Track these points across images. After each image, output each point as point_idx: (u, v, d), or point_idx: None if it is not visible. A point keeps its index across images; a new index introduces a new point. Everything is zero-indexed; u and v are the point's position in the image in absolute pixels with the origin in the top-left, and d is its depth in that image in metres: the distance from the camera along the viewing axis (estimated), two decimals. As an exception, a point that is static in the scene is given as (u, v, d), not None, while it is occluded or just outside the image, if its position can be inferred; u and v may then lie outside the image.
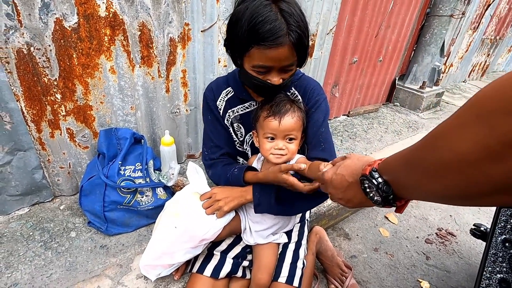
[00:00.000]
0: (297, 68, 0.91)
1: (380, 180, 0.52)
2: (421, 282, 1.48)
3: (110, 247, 1.17)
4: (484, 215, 2.04)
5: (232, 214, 1.01)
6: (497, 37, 4.59)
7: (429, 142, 0.41)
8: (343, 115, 2.72)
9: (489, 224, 1.19)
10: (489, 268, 1.07)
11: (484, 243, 1.13)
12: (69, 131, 1.24)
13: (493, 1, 3.65)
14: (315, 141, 0.97)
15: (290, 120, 0.90)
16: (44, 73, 1.09)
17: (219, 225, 0.98)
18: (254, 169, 1.03)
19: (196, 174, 1.05)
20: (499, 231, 1.12)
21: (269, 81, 0.85)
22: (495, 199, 0.34)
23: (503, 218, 1.14)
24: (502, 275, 1.05)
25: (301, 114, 0.94)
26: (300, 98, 1.02)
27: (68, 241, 1.17)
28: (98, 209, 1.18)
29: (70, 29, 1.08)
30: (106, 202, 1.18)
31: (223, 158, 1.07)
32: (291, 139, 0.93)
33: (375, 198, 0.54)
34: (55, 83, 1.12)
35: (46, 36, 1.04)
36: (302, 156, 0.99)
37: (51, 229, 1.20)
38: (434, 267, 1.58)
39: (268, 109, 0.91)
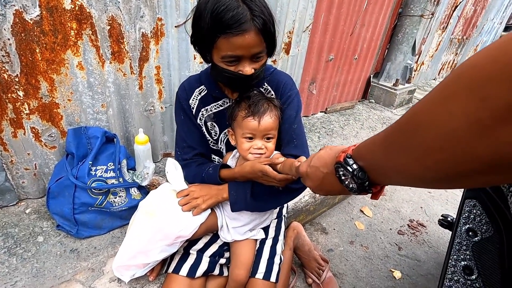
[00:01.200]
0: (268, 58, 0.90)
1: (355, 166, 0.50)
2: (393, 272, 1.54)
3: (81, 251, 1.12)
4: (452, 206, 2.16)
5: (209, 212, 1.00)
6: (464, 37, 4.84)
7: (411, 121, 0.37)
8: (320, 111, 2.77)
9: (455, 214, 1.27)
10: (454, 256, 1.14)
11: (451, 233, 1.20)
12: (34, 130, 1.17)
13: (460, 3, 3.84)
14: (288, 138, 0.98)
15: (269, 120, 0.90)
16: (3, 68, 1.02)
17: (196, 222, 0.97)
18: (229, 167, 1.02)
19: (175, 171, 1.03)
20: (463, 221, 1.18)
21: (240, 72, 0.83)
22: (483, 179, 0.31)
23: (467, 209, 1.20)
24: (465, 262, 1.11)
25: (278, 112, 0.94)
26: (273, 94, 1.02)
27: (34, 246, 1.11)
28: (68, 211, 1.13)
29: (31, 22, 1.01)
30: (76, 204, 1.13)
31: (197, 158, 1.05)
32: (269, 138, 0.93)
33: (351, 185, 0.52)
34: (16, 79, 1.06)
35: (5, 29, 0.97)
36: (278, 152, 0.99)
37: (15, 234, 1.14)
38: (405, 257, 1.66)
39: (247, 108, 0.91)
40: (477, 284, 1.05)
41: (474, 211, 1.20)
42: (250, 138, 0.92)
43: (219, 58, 0.82)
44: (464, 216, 1.19)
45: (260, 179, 0.90)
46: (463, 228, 1.18)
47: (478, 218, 1.17)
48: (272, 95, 1.02)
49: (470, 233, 1.16)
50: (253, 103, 0.90)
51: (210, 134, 1.06)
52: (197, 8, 0.80)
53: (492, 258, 1.07)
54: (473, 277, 1.07)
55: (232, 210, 0.99)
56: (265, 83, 1.02)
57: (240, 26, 0.75)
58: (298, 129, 1.00)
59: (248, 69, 0.83)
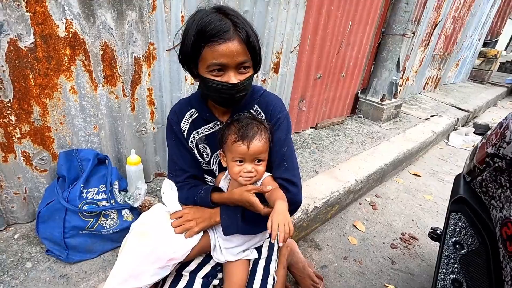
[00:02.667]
0: (254, 73, 0.92)
1: None
2: (387, 286, 1.55)
3: (71, 276, 1.10)
4: (442, 218, 2.19)
5: (201, 234, 1.01)
6: (446, 53, 5.06)
7: None
8: (311, 128, 2.82)
9: (444, 227, 1.29)
10: (443, 270, 1.15)
11: (439, 246, 1.22)
12: (24, 154, 1.17)
13: (439, 22, 4.05)
14: (278, 160, 1.00)
15: (258, 144, 0.91)
16: (-4, 94, 1.03)
17: (189, 245, 0.97)
18: (220, 190, 1.04)
19: (171, 191, 1.03)
20: (450, 234, 1.21)
21: (227, 82, 0.86)
22: None
23: (452, 222, 1.23)
24: (454, 276, 1.12)
25: (268, 135, 0.95)
26: (263, 116, 1.05)
27: (23, 272, 1.08)
28: (58, 235, 1.12)
29: (25, 50, 1.04)
30: (67, 228, 1.12)
31: (189, 181, 1.07)
32: (259, 160, 0.95)
33: None
34: (9, 104, 1.07)
35: (-1, 57, 1.00)
36: (269, 174, 1.01)
37: (3, 261, 1.11)
38: (399, 271, 1.67)
39: (236, 132, 0.92)
40: (466, 298, 1.06)
41: (460, 224, 1.22)
42: (240, 162, 0.94)
43: (205, 69, 0.85)
44: (450, 229, 1.22)
45: (248, 207, 0.92)
46: (450, 241, 1.20)
47: (464, 231, 1.19)
48: (262, 117, 1.04)
49: (457, 246, 1.18)
50: (243, 127, 0.92)
51: (202, 156, 1.08)
52: (185, 28, 0.85)
53: (479, 270, 1.09)
54: (462, 290, 1.08)
55: (225, 234, 0.99)
56: (255, 105, 1.04)
57: (223, 35, 0.80)
58: (289, 152, 1.01)
59: (233, 79, 0.86)
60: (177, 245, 0.94)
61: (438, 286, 1.13)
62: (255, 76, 1.10)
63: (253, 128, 0.92)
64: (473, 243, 1.14)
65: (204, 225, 0.98)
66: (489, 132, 1.19)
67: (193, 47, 0.83)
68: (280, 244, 0.77)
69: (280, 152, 0.99)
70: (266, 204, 0.90)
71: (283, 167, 0.98)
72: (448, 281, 1.13)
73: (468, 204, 1.22)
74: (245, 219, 0.97)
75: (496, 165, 1.06)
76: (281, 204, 0.82)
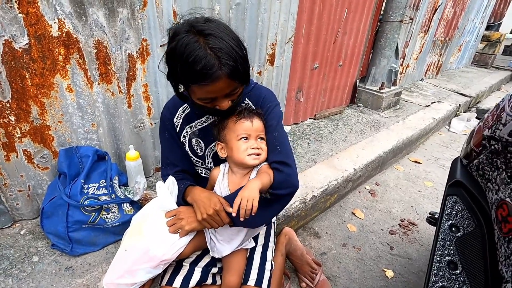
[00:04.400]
0: (244, 86, 0.93)
1: None
2: (385, 271, 1.57)
3: (76, 268, 1.14)
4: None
5: (193, 234, 1.01)
6: (447, 38, 4.98)
7: None
8: (309, 118, 2.83)
9: (442, 211, 1.30)
10: (439, 252, 1.17)
11: (435, 229, 1.24)
12: (26, 153, 1.21)
13: (439, 6, 3.98)
14: (271, 146, 1.01)
15: (259, 121, 0.99)
16: (-6, 95, 1.06)
17: (178, 246, 0.97)
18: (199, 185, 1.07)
19: (172, 187, 1.04)
20: (446, 217, 1.23)
21: (218, 107, 0.90)
22: None
23: (449, 206, 1.25)
24: (450, 257, 1.14)
25: (262, 119, 1.02)
26: (254, 108, 1.06)
27: (30, 266, 1.13)
28: (62, 230, 1.16)
29: (21, 50, 1.07)
30: (70, 223, 1.16)
31: (178, 174, 1.09)
32: (262, 138, 1.00)
33: None
34: (8, 105, 1.10)
35: (-5, 59, 1.02)
36: (266, 163, 1.03)
37: (11, 256, 1.16)
38: (397, 256, 1.69)
39: (237, 114, 0.97)
40: (461, 278, 1.08)
41: (456, 207, 1.24)
42: (245, 139, 0.97)
43: (195, 98, 0.88)
44: (446, 212, 1.23)
45: (209, 218, 0.94)
46: (446, 224, 1.21)
47: (460, 214, 1.21)
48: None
49: (453, 228, 1.20)
50: (241, 111, 0.97)
51: (195, 151, 1.10)
52: (169, 50, 0.81)
53: (474, 252, 1.11)
54: (458, 271, 1.10)
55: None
56: (246, 99, 1.06)
57: (210, 77, 0.77)
58: (280, 136, 1.03)
59: (224, 104, 0.89)
60: (167, 247, 0.95)
61: (434, 268, 1.15)
62: (250, 68, 1.11)
63: (250, 111, 0.99)
64: (469, 226, 1.16)
65: (195, 226, 0.97)
66: (486, 115, 1.19)
67: (181, 81, 0.85)
68: (241, 219, 0.81)
69: (272, 137, 1.01)
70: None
71: (276, 151, 1.00)
72: (444, 263, 1.15)
73: (464, 188, 1.23)
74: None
75: (492, 147, 1.07)
76: (253, 182, 0.87)
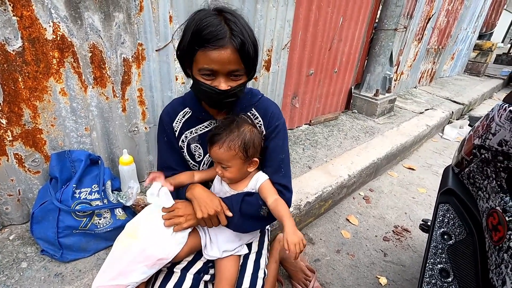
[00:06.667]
0: (247, 80, 0.94)
1: None
2: (379, 278, 1.57)
3: (66, 275, 1.12)
4: (435, 210, 2.22)
5: (189, 231, 1.02)
6: (440, 47, 5.07)
7: None
8: (305, 124, 2.84)
9: (434, 219, 1.31)
10: (431, 260, 1.18)
11: (427, 237, 1.24)
12: (17, 156, 1.19)
13: (432, 15, 4.06)
14: (276, 166, 1.03)
15: (217, 149, 0.95)
16: (-14, 98, 1.05)
17: (177, 246, 0.98)
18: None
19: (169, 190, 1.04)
20: (438, 225, 1.23)
21: (215, 87, 0.87)
22: None
23: (441, 213, 1.26)
24: (442, 265, 1.15)
25: (238, 146, 0.94)
26: (261, 120, 1.06)
27: (18, 272, 1.11)
28: (52, 235, 1.14)
29: (14, 53, 1.06)
30: (60, 228, 1.14)
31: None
32: (224, 167, 0.98)
33: None
34: (-1, 108, 1.09)
35: (-13, 61, 1.01)
36: (267, 178, 1.04)
37: (-2, 262, 1.13)
38: (391, 262, 1.69)
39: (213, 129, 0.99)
40: (453, 286, 1.09)
41: (448, 215, 1.25)
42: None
43: (197, 71, 0.87)
44: (438, 220, 1.24)
45: (209, 217, 0.97)
46: (438, 232, 1.22)
47: (452, 222, 1.22)
48: (259, 121, 1.06)
49: (445, 236, 1.21)
50: (217, 128, 0.97)
51: (193, 156, 1.10)
52: (185, 26, 0.86)
53: (466, 260, 1.12)
54: (449, 279, 1.11)
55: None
56: (253, 109, 1.06)
57: (217, 42, 0.80)
58: (286, 159, 1.05)
59: (223, 85, 0.87)
60: (166, 246, 0.96)
61: (426, 276, 1.15)
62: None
63: (222, 134, 0.95)
64: (461, 234, 1.17)
65: (193, 223, 1.00)
66: (476, 124, 1.21)
67: (188, 47, 0.85)
68: (293, 260, 0.86)
69: (278, 158, 1.03)
70: None
71: (280, 173, 1.03)
72: (436, 271, 1.16)
73: (456, 196, 1.24)
74: (242, 216, 0.99)
75: (483, 156, 1.08)
76: (290, 225, 0.89)
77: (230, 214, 0.97)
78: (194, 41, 0.82)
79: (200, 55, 0.83)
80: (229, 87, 0.88)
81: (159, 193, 0.99)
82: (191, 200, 1.01)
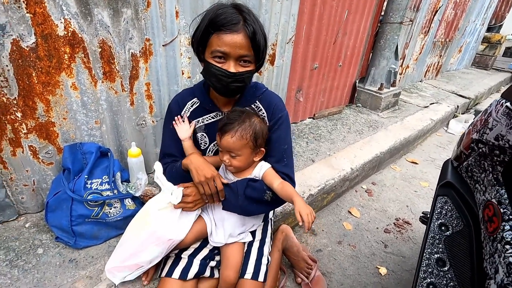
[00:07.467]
0: (255, 70, 1.00)
1: None
2: (379, 268, 1.62)
3: (79, 260, 1.19)
4: (436, 204, 2.25)
5: (198, 212, 1.09)
6: (447, 40, 5.00)
7: None
8: (308, 118, 2.86)
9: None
10: (428, 250, 1.22)
11: (425, 228, 1.28)
12: (31, 148, 1.25)
13: (439, 8, 4.00)
14: (278, 156, 1.08)
15: (229, 139, 0.99)
16: (2, 92, 1.10)
17: (186, 226, 1.06)
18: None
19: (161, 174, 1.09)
20: (436, 216, 1.27)
21: (226, 70, 0.94)
22: None
23: (439, 205, 1.29)
24: (439, 255, 1.19)
25: (249, 136, 1.00)
26: (265, 112, 1.11)
27: (35, 258, 1.17)
28: (66, 223, 1.20)
29: (28, 49, 1.10)
30: (73, 216, 1.20)
31: (174, 164, 1.14)
32: (233, 156, 1.03)
33: None
34: (15, 102, 1.14)
35: (3, 57, 1.06)
36: (270, 166, 1.08)
37: (16, 248, 1.20)
38: (391, 254, 1.74)
39: (221, 121, 1.03)
40: (449, 275, 1.13)
41: (446, 207, 1.28)
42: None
43: (210, 54, 0.94)
44: (436, 212, 1.28)
45: (206, 181, 1.01)
46: (436, 223, 1.26)
47: (449, 214, 1.25)
48: (263, 113, 1.12)
49: (443, 227, 1.24)
50: (227, 118, 1.02)
51: (199, 144, 1.15)
52: (203, 16, 0.95)
53: (462, 250, 1.16)
54: (446, 268, 1.15)
55: (223, 209, 1.08)
56: (257, 101, 1.11)
57: (231, 26, 0.89)
58: (289, 150, 1.11)
59: (232, 68, 0.94)
60: (175, 228, 1.02)
61: (423, 265, 1.19)
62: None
63: (234, 123, 1.00)
64: (458, 225, 1.20)
65: (201, 205, 1.08)
66: (475, 119, 1.24)
67: (203, 32, 0.93)
68: (306, 230, 0.91)
69: (281, 149, 1.08)
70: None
71: (283, 163, 1.08)
72: (432, 260, 1.20)
73: (454, 188, 1.27)
74: (246, 199, 1.04)
75: (480, 150, 1.11)
76: (299, 200, 0.94)
77: (225, 181, 1.04)
78: (210, 26, 0.90)
79: (214, 39, 0.91)
80: (237, 71, 0.95)
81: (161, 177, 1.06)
82: (188, 165, 1.04)
